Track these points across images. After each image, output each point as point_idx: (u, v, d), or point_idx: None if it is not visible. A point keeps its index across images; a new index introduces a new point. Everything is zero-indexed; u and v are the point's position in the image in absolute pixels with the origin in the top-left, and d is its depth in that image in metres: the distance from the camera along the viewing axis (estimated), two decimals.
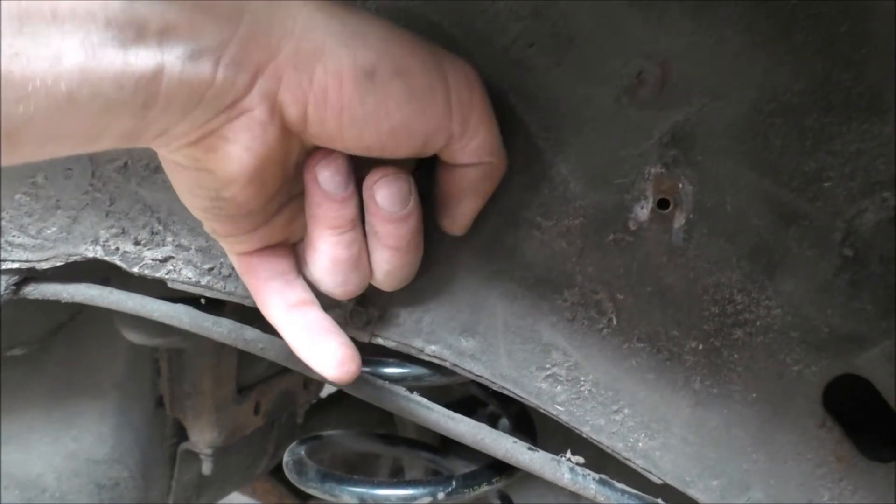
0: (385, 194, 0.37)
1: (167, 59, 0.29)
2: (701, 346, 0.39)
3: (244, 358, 0.88)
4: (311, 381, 1.05)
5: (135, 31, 0.28)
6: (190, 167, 0.35)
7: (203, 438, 0.85)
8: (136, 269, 0.50)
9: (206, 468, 0.88)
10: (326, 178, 0.36)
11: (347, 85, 0.32)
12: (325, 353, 0.39)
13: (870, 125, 0.36)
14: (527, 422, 0.54)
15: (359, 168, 0.38)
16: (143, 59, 0.28)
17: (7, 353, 0.77)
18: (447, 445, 0.66)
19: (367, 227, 0.39)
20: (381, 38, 0.33)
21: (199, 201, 0.37)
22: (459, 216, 0.40)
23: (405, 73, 0.34)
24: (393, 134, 0.34)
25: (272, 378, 0.95)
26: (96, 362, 0.80)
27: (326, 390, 1.16)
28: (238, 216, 0.37)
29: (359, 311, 0.44)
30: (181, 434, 0.86)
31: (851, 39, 0.35)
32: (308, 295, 0.41)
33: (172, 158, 0.35)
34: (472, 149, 0.37)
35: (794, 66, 0.37)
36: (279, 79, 0.32)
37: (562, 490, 0.43)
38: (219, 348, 0.81)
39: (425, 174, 0.41)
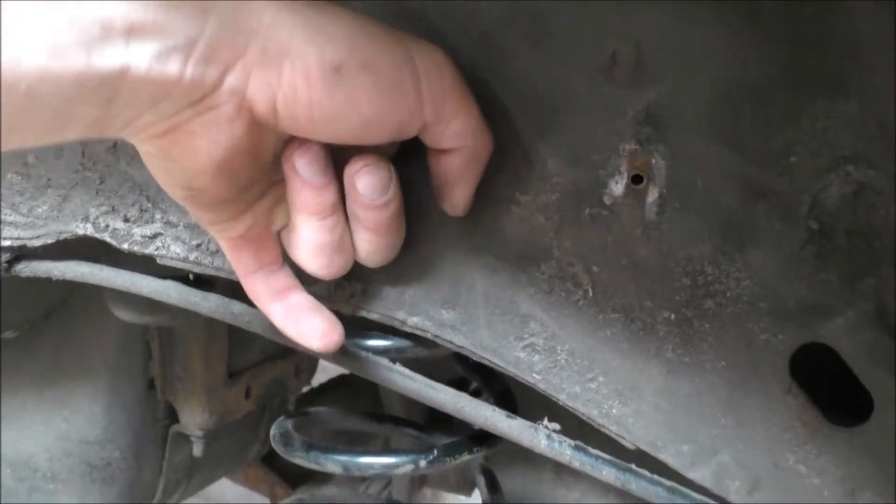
0: (366, 183, 0.38)
1: (133, 58, 0.29)
2: (673, 317, 0.41)
3: (235, 343, 0.89)
4: (303, 369, 1.06)
5: (99, 31, 0.28)
6: (160, 157, 0.36)
7: (194, 421, 0.86)
8: (125, 246, 0.51)
9: (197, 450, 0.89)
10: (304, 166, 0.37)
11: (315, 82, 0.33)
12: (309, 328, 0.42)
13: (833, 103, 0.37)
14: (509, 398, 0.56)
15: (338, 153, 0.39)
16: (107, 58, 0.29)
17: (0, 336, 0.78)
18: (433, 424, 0.67)
19: (349, 211, 0.40)
20: (348, 33, 0.34)
21: (174, 190, 0.38)
22: (456, 201, 0.42)
23: (372, 66, 0.34)
24: (364, 125, 0.35)
25: (263, 364, 0.96)
26: (88, 345, 0.81)
27: (317, 380, 1.17)
28: (214, 204, 0.38)
29: (342, 285, 0.45)
30: (172, 416, 0.87)
31: (816, 20, 0.37)
32: (291, 281, 0.43)
33: (143, 148, 0.36)
34: (451, 133, 0.38)
35: (762, 46, 0.38)
36: (247, 76, 0.33)
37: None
38: (209, 331, 0.82)
39: (414, 157, 0.42)
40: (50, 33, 0.27)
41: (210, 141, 0.34)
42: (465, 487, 0.78)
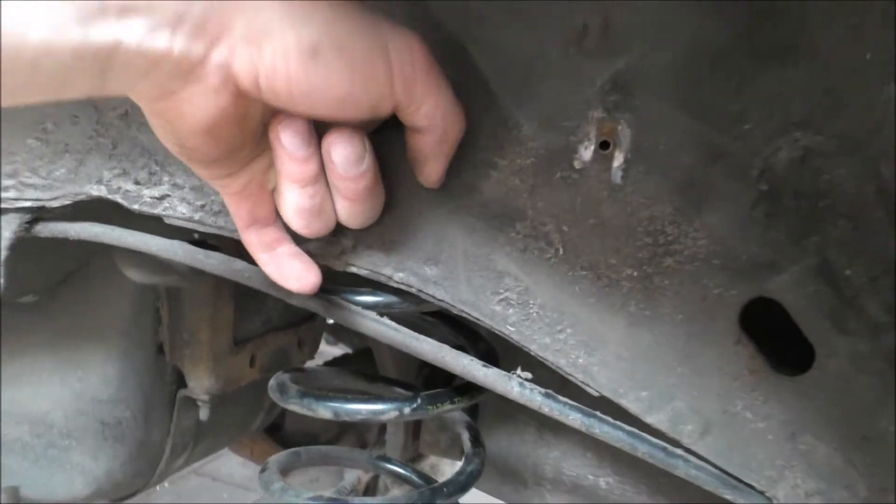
0: (340, 155, 0.41)
1: (124, 33, 0.33)
2: (636, 273, 0.44)
3: (240, 312, 0.93)
4: (305, 342, 1.10)
5: (96, 9, 0.32)
6: (156, 116, 0.40)
7: (200, 385, 0.90)
8: (136, 207, 0.55)
9: (203, 414, 0.93)
10: (287, 139, 0.40)
11: (293, 62, 0.36)
12: (288, 272, 0.46)
13: (785, 71, 0.40)
14: (492, 358, 0.59)
15: (323, 128, 0.42)
16: (101, 34, 0.32)
17: (19, 300, 0.83)
18: (425, 387, 0.71)
19: (329, 180, 0.43)
20: (327, 17, 0.37)
21: (169, 145, 0.42)
22: (429, 175, 0.45)
23: (347, 50, 0.37)
24: (339, 103, 0.39)
25: (267, 334, 1.00)
26: (102, 310, 0.85)
27: (322, 358, 1.22)
28: (207, 162, 0.42)
29: (334, 242, 0.49)
30: (180, 381, 0.92)
31: None
32: (281, 235, 0.47)
33: (141, 105, 0.40)
34: (423, 114, 0.41)
35: (721, 17, 0.41)
36: (233, 52, 0.36)
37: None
38: (215, 299, 0.86)
39: (399, 125, 0.45)
40: (51, 11, 0.31)
41: (198, 108, 0.38)
42: (455, 451, 0.81)
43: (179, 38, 0.34)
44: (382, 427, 1.21)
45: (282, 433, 1.39)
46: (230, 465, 2.41)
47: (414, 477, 0.66)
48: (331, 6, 0.38)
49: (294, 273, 0.46)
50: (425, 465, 1.24)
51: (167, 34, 0.34)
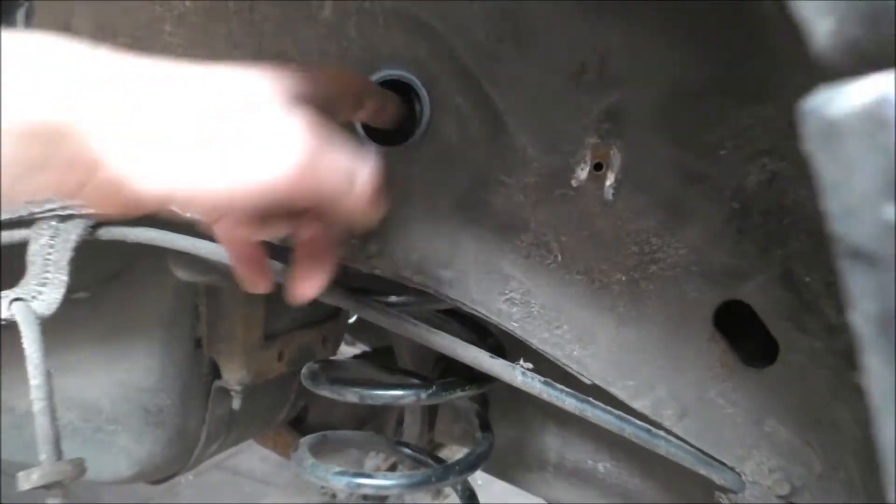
0: None
1: None
2: (624, 278, 0.51)
3: (270, 310, 1.01)
4: (329, 339, 1.18)
5: None
6: None
7: (234, 377, 0.98)
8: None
9: (236, 403, 1.01)
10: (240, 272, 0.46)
11: (153, 197, 0.37)
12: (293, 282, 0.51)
13: (755, 108, 0.46)
14: (500, 352, 0.66)
15: None
16: None
17: (73, 296, 0.91)
18: (440, 377, 0.78)
19: None
20: (176, 159, 0.37)
21: None
22: None
23: (199, 191, 0.37)
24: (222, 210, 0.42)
25: (294, 331, 1.08)
26: (146, 306, 0.93)
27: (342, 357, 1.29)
28: None
29: (361, 248, 0.56)
30: (215, 373, 0.99)
31: (744, 40, 0.46)
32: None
33: None
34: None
35: (701, 60, 0.47)
36: (111, 180, 0.37)
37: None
38: (249, 298, 0.94)
39: (413, 153, 0.52)
40: None
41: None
42: (468, 440, 0.88)
43: (49, 179, 0.37)
44: (399, 420, 1.28)
45: (304, 426, 1.47)
46: (251, 460, 2.49)
47: (429, 460, 0.73)
48: (190, 143, 0.37)
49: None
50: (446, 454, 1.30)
51: (37, 177, 0.37)
